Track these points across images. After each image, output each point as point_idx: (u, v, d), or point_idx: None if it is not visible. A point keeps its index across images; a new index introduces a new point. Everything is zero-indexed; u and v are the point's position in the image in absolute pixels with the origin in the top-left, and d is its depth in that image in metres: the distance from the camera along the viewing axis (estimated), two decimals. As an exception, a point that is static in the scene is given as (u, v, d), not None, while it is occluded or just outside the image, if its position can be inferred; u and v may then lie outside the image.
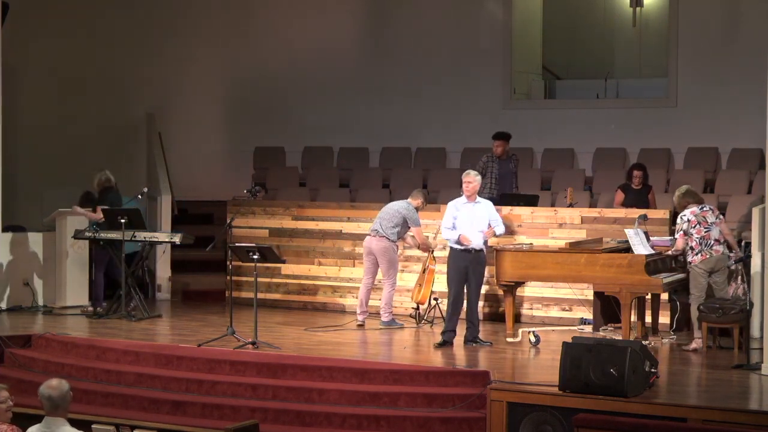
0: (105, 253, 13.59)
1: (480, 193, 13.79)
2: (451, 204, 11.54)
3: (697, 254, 11.20)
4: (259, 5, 18.01)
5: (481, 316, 13.07)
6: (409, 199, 12.53)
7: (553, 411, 8.98)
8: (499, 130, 14.19)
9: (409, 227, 12.44)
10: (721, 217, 11.50)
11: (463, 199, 11.45)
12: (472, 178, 11.40)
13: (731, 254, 11.34)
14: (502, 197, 13.58)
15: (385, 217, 12.43)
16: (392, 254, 12.43)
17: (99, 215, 13.44)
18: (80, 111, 17.17)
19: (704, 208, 11.35)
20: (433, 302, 12.60)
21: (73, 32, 17.29)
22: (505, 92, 17.18)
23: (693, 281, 11.25)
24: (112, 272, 13.68)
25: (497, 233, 11.56)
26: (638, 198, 13.70)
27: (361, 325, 12.48)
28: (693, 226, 11.24)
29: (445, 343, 11.20)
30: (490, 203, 11.67)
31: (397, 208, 12.45)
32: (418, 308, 12.62)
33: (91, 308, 13.58)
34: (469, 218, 11.31)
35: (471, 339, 11.35)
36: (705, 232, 11.24)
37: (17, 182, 15.35)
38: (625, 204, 13.56)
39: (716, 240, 11.23)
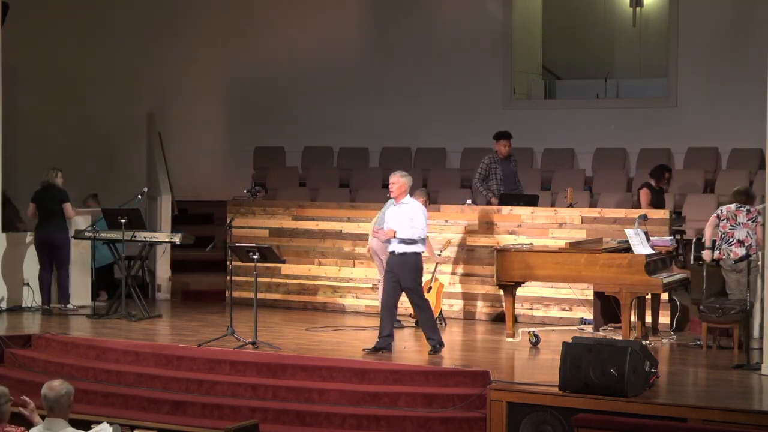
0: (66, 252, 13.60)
1: (488, 196, 13.78)
2: (386, 205, 11.30)
3: (717, 250, 11.39)
4: (259, 5, 18.01)
5: (481, 316, 13.11)
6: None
7: (553, 411, 8.97)
8: (499, 130, 14.12)
9: None
10: (759, 219, 11.39)
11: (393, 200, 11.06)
12: (396, 179, 10.81)
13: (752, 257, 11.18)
14: (501, 197, 13.57)
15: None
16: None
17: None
18: (80, 111, 17.16)
19: (740, 207, 11.43)
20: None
21: (73, 32, 17.28)
22: (505, 92, 17.19)
23: (726, 277, 11.56)
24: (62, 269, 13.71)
25: (390, 235, 10.64)
26: (661, 198, 13.75)
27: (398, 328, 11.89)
28: (721, 220, 11.37)
29: (377, 350, 10.73)
30: (418, 206, 10.85)
31: None
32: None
33: (71, 305, 13.59)
34: (390, 219, 10.88)
35: (432, 349, 10.82)
36: (729, 229, 11.33)
37: (17, 182, 15.32)
38: (652, 204, 13.53)
39: (739, 241, 11.27)
